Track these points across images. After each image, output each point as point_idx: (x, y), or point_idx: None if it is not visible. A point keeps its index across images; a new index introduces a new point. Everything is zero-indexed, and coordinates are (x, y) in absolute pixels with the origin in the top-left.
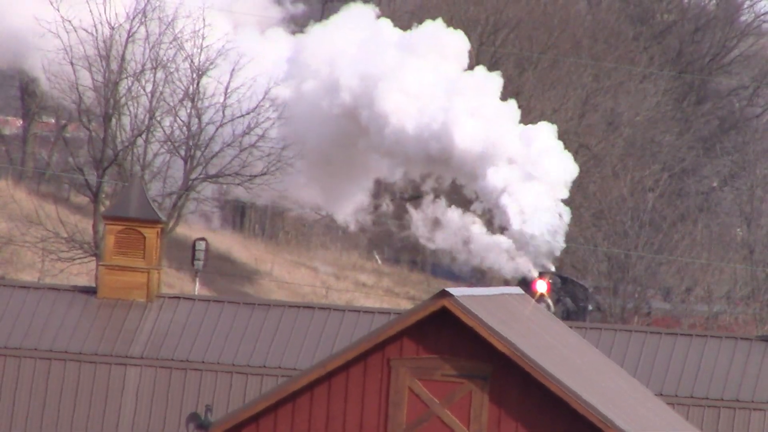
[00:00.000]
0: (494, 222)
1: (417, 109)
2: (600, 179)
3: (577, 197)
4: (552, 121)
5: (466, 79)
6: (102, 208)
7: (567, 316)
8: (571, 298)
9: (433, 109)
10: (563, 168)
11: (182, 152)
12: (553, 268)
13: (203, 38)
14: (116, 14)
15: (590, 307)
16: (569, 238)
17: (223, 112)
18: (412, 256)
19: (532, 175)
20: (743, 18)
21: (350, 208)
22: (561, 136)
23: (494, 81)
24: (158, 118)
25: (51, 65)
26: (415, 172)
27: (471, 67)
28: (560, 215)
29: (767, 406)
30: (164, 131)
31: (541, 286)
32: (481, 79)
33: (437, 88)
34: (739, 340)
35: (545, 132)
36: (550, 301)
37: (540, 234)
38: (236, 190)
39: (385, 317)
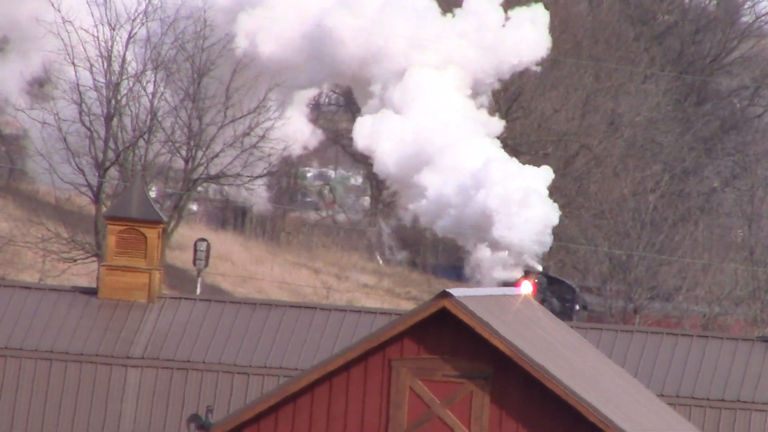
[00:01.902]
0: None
1: (295, 23)
2: (601, 180)
3: (578, 198)
4: (553, 122)
5: None
6: (103, 209)
7: None
8: (558, 298)
9: (311, 19)
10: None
11: (183, 153)
12: (539, 267)
13: (204, 39)
14: (117, 15)
15: (577, 307)
16: (569, 238)
17: (225, 113)
18: (412, 256)
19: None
20: (744, 19)
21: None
22: (562, 136)
23: None
24: (159, 119)
25: (52, 66)
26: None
27: None
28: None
29: None
30: (165, 132)
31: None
32: None
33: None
34: (740, 340)
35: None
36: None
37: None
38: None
39: (386, 318)
